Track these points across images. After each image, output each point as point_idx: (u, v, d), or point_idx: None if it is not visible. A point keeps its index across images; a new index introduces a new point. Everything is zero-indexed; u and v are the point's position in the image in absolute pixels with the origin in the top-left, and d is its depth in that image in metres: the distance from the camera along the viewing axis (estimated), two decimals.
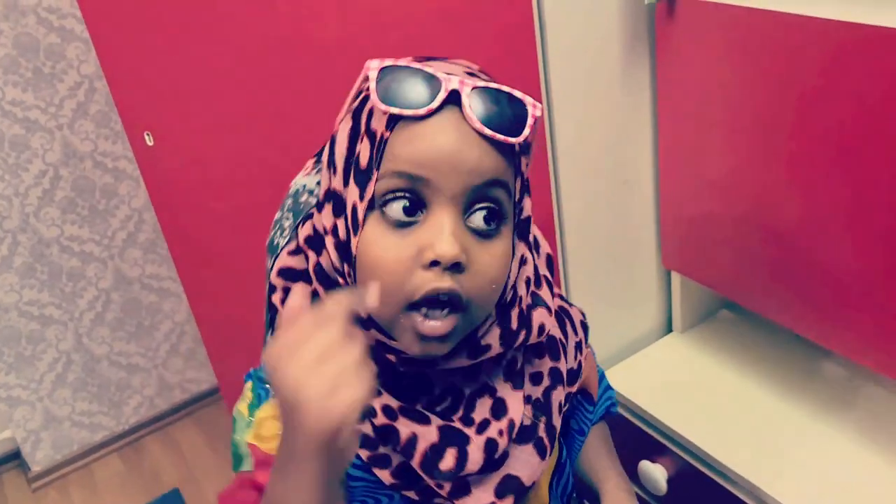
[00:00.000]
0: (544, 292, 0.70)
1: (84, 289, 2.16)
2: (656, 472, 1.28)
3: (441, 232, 0.56)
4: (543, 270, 0.72)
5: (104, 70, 1.40)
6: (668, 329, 1.47)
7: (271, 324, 0.70)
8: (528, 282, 0.68)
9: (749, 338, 1.41)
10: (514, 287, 0.66)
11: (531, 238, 0.70)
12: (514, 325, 0.65)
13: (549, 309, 0.69)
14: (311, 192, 0.72)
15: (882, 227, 0.98)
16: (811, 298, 1.12)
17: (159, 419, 2.39)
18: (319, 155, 0.75)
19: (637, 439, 1.32)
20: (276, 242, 0.73)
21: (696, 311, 1.44)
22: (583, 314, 0.82)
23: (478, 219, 0.59)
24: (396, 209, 0.57)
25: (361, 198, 0.58)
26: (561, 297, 0.79)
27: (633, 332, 1.43)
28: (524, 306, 0.67)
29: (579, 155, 1.22)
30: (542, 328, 0.68)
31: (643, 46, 1.21)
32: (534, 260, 0.70)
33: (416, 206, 0.57)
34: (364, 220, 0.58)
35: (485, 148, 0.57)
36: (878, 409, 1.23)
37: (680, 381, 1.36)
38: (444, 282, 0.57)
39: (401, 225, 0.57)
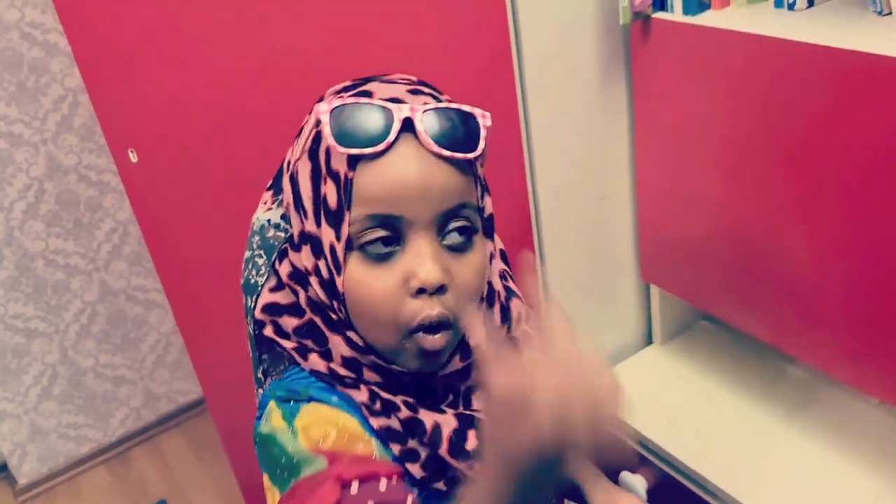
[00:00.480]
0: (511, 284, 0.74)
1: (69, 301, 2.16)
2: (636, 483, 1.30)
3: (422, 259, 0.58)
4: (502, 265, 0.75)
5: (88, 87, 1.40)
6: (649, 341, 1.49)
7: (259, 361, 0.70)
8: (501, 275, 0.72)
9: (728, 348, 1.44)
10: (490, 282, 0.68)
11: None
12: (498, 320, 0.68)
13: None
14: (276, 227, 0.72)
15: (850, 244, 1.01)
16: (783, 312, 1.14)
17: (146, 430, 2.38)
18: (273, 187, 0.75)
19: None
20: (252, 281, 0.73)
21: (675, 322, 1.47)
22: None
23: (453, 236, 0.60)
24: (375, 246, 0.59)
25: (338, 238, 0.59)
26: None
27: (613, 345, 1.45)
28: (503, 300, 0.70)
29: (558, 172, 1.24)
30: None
31: (619, 66, 1.23)
32: (497, 256, 0.72)
33: (394, 238, 0.59)
34: (344, 259, 0.60)
35: (447, 170, 0.59)
36: (853, 420, 1.26)
37: (660, 393, 1.38)
38: (434, 309, 0.59)
39: (382, 258, 0.59)
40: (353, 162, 0.58)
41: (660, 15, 1.14)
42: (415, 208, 0.58)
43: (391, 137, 0.57)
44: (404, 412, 0.64)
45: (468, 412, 0.67)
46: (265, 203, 0.75)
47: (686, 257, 1.27)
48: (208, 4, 1.25)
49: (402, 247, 0.59)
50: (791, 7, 1.08)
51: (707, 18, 1.11)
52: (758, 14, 1.10)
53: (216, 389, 1.75)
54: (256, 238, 0.75)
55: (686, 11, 1.13)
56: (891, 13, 1.00)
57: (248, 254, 0.76)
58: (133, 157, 1.38)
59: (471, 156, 0.59)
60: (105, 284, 2.19)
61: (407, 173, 0.58)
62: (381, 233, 0.59)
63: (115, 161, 1.46)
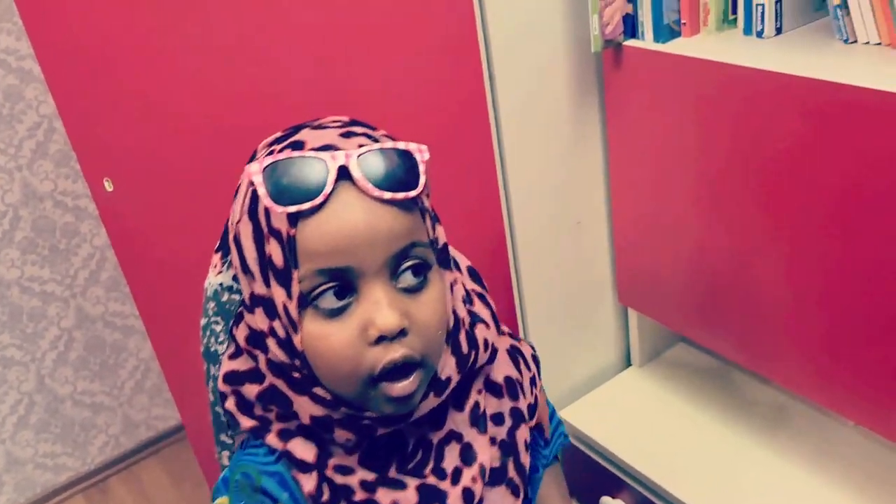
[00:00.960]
0: (478, 307, 0.72)
1: (46, 329, 2.14)
2: None
3: (378, 306, 0.57)
4: (470, 285, 0.73)
5: (62, 116, 1.40)
6: (627, 363, 1.49)
7: (223, 427, 0.69)
8: (463, 300, 0.70)
9: (707, 369, 1.44)
10: (455, 311, 0.67)
11: (452, 257, 0.70)
12: (465, 348, 0.67)
13: (486, 323, 0.71)
14: (230, 290, 0.71)
15: (823, 269, 1.02)
16: (758, 335, 1.15)
17: (125, 458, 2.36)
18: (221, 249, 0.74)
19: (598, 475, 1.34)
20: (213, 349, 0.72)
21: (653, 344, 1.47)
22: (532, 348, 0.82)
23: (407, 277, 0.59)
24: (328, 301, 0.58)
25: (290, 297, 0.58)
26: (510, 335, 0.79)
27: (592, 368, 1.45)
28: (467, 327, 0.68)
29: (533, 198, 1.24)
30: (486, 343, 0.69)
31: (592, 93, 1.24)
32: (460, 278, 0.71)
33: (346, 289, 0.58)
34: (299, 317, 0.59)
35: (390, 212, 0.57)
36: (831, 442, 1.26)
37: (639, 416, 1.38)
38: (396, 352, 0.58)
39: (337, 312, 0.58)
40: (293, 219, 0.57)
41: (631, 43, 1.15)
42: (363, 257, 0.57)
43: (328, 189, 0.56)
44: (360, 494, 0.62)
45: (431, 483, 0.65)
46: (215, 266, 0.73)
47: (662, 281, 1.27)
48: (185, 34, 1.25)
49: (356, 296, 0.58)
50: (759, 34, 1.09)
51: (678, 45, 1.12)
52: (727, 41, 1.11)
53: (195, 417, 1.74)
54: (211, 304, 0.73)
55: (657, 38, 1.14)
56: (856, 41, 1.01)
57: (203, 321, 0.74)
58: (108, 187, 1.38)
59: (412, 194, 0.58)
60: (82, 311, 2.17)
61: (349, 222, 0.56)
62: (333, 286, 0.57)
63: (91, 191, 1.46)
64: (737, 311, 1.16)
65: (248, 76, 1.25)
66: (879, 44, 0.99)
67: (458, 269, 0.73)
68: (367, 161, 0.57)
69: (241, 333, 0.64)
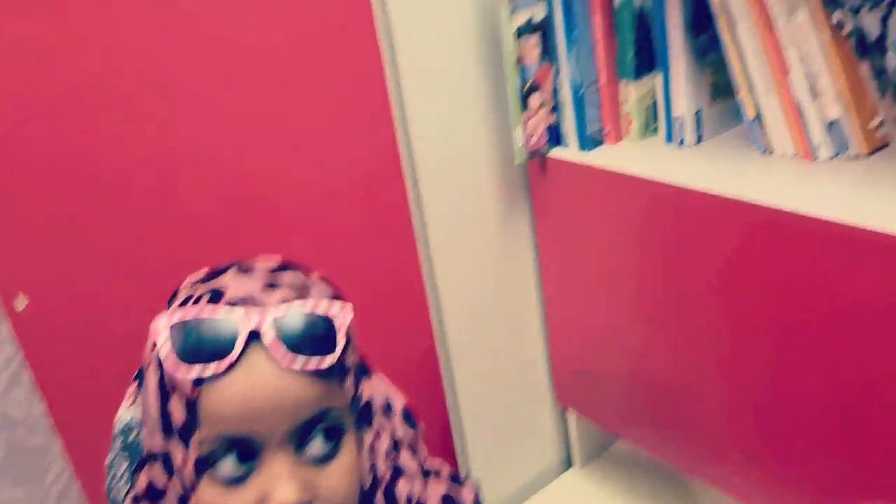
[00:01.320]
0: (404, 458, 0.68)
1: None
2: None
3: (278, 479, 0.54)
4: (401, 431, 0.70)
5: None
6: (568, 465, 1.46)
7: None
8: (393, 448, 0.67)
9: (649, 467, 1.42)
10: (374, 469, 0.63)
11: (383, 402, 0.67)
12: None
13: (410, 477, 0.67)
14: (140, 426, 0.68)
15: (754, 381, 1.01)
16: (697, 443, 1.14)
17: None
18: (138, 378, 0.71)
19: None
20: (113, 493, 0.69)
21: (594, 444, 1.45)
22: (477, 490, 0.78)
23: (316, 445, 0.56)
24: (227, 469, 0.55)
25: (187, 458, 0.56)
26: (452, 476, 0.75)
27: (533, 471, 1.42)
28: (387, 483, 0.65)
29: (465, 306, 1.22)
30: (409, 499, 0.66)
31: (521, 201, 1.23)
32: (388, 427, 0.68)
33: (247, 456, 0.55)
34: (197, 479, 0.56)
35: (301, 380, 0.55)
36: None
37: None
38: None
39: (235, 481, 0.55)
40: (197, 381, 0.54)
41: (556, 153, 1.15)
42: (267, 425, 0.54)
43: (235, 354, 0.53)
44: None
45: None
46: (129, 396, 0.71)
47: (599, 386, 1.26)
48: (104, 146, 1.21)
49: (257, 464, 0.55)
50: (681, 143, 1.10)
51: (601, 154, 1.12)
52: (649, 149, 1.12)
53: None
54: (119, 441, 0.70)
55: (581, 147, 1.15)
56: (773, 152, 1.03)
57: (109, 457, 0.71)
58: (20, 305, 1.31)
59: (326, 363, 0.55)
60: (4, 414, 2.06)
61: (254, 389, 0.53)
62: (232, 454, 0.55)
63: (4, 307, 1.39)
64: (675, 416, 1.15)
65: (171, 198, 1.22)
66: (796, 154, 1.01)
67: (392, 410, 0.70)
68: (282, 325, 0.54)
69: (142, 481, 0.61)
